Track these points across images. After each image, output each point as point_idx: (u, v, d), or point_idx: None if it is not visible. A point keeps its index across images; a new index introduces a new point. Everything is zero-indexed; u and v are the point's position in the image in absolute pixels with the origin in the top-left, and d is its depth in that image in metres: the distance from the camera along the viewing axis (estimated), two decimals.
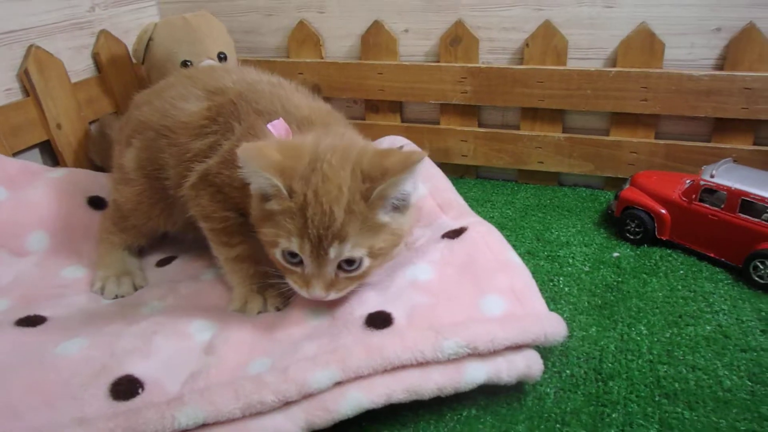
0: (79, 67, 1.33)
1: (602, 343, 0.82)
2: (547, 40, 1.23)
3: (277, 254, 0.72)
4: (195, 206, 0.84)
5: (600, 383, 0.75)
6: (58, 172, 1.10)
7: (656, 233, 1.05)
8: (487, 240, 0.88)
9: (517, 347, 0.71)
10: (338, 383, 0.65)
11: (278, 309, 0.82)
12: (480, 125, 1.37)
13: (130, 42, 1.37)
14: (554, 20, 1.21)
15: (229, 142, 0.81)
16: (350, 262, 0.71)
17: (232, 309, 0.82)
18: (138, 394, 0.65)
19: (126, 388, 0.65)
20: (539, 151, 1.31)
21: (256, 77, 0.92)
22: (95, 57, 1.36)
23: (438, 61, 1.34)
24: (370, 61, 1.38)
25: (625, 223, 1.08)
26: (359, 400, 0.63)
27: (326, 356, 0.66)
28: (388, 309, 0.74)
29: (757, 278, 0.92)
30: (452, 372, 0.67)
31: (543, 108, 1.28)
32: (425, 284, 0.79)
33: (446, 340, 0.68)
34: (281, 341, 0.74)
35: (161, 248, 1.05)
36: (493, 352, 0.70)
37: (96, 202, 1.06)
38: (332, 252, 0.69)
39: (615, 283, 0.96)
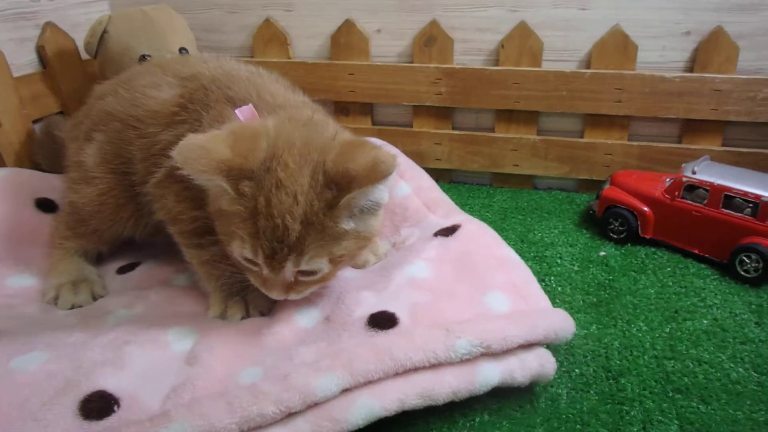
0: (22, 60, 1.21)
1: (606, 340, 0.79)
2: (523, 40, 1.22)
3: (234, 254, 0.66)
4: (160, 208, 0.77)
5: (611, 381, 0.71)
6: (1, 173, 0.98)
7: (640, 231, 1.04)
8: (481, 236, 0.84)
9: (528, 345, 0.67)
10: (346, 390, 0.58)
11: (263, 313, 0.75)
12: (454, 128, 1.34)
13: (78, 38, 1.27)
14: (529, 21, 1.21)
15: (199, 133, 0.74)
16: (309, 271, 0.65)
17: (211, 316, 0.74)
18: (113, 411, 0.56)
19: (98, 405, 0.56)
20: (515, 154, 1.30)
21: (235, 65, 0.85)
22: (39, 51, 1.24)
23: (412, 62, 1.31)
24: (340, 62, 1.34)
25: (608, 222, 1.07)
26: (370, 407, 0.57)
27: (329, 360, 0.60)
28: (390, 308, 0.68)
29: (743, 272, 0.92)
30: (466, 373, 0.62)
31: (518, 110, 1.27)
32: (424, 282, 0.74)
33: (458, 339, 0.63)
34: (272, 347, 0.67)
35: (121, 254, 0.94)
36: (506, 351, 0.65)
37: (45, 205, 0.95)
38: (288, 264, 0.63)
39: (607, 281, 0.94)
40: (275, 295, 0.66)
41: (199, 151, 0.60)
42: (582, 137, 1.26)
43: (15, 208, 0.92)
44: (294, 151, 0.62)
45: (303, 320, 0.71)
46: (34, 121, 1.20)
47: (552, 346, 0.72)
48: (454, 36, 1.26)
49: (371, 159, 0.61)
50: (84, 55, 1.28)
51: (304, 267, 0.64)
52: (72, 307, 0.80)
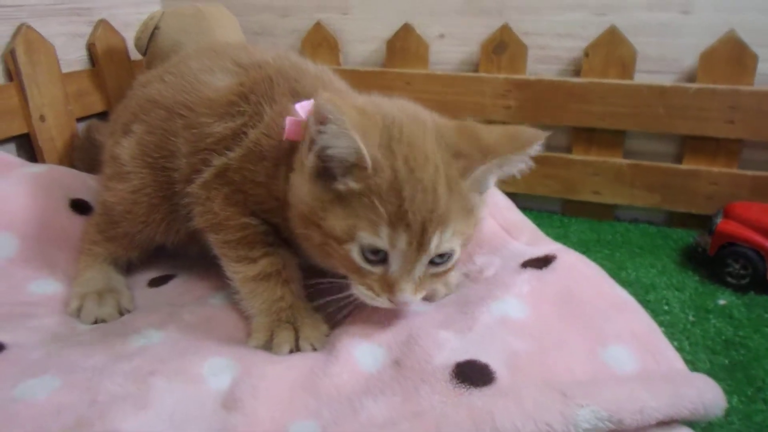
0: (72, 56, 1.16)
1: (758, 419, 0.59)
2: (612, 48, 1.06)
3: (353, 253, 0.54)
4: (204, 212, 0.67)
5: None
6: (38, 168, 0.90)
7: None
8: (584, 271, 0.68)
9: (667, 422, 0.48)
10: None
11: (314, 348, 0.61)
12: None
13: (129, 37, 1.22)
14: (619, 26, 1.04)
15: (255, 131, 0.65)
16: (443, 254, 0.56)
17: (253, 345, 0.61)
18: None
19: None
20: (595, 179, 1.12)
21: (300, 59, 0.75)
22: (90, 48, 1.19)
23: (477, 71, 1.15)
24: (396, 69, 1.20)
25: (725, 263, 0.87)
26: None
27: (409, 425, 0.45)
28: (481, 357, 0.53)
29: None
30: None
31: (600, 129, 1.09)
32: (520, 324, 0.58)
33: (581, 408, 0.46)
34: (329, 395, 0.53)
35: (154, 264, 0.84)
36: (640, 429, 0.46)
37: (80, 206, 0.85)
38: (434, 241, 0.53)
39: (736, 338, 0.74)
40: (407, 296, 0.55)
41: (342, 106, 0.51)
42: (680, 163, 1.07)
43: (49, 206, 0.83)
44: (408, 122, 0.56)
45: (366, 361, 0.56)
46: (78, 120, 1.14)
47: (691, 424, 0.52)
48: (528, 42, 1.11)
49: (506, 131, 0.57)
50: (133, 56, 1.24)
51: (445, 244, 0.55)
52: (95, 321, 0.70)
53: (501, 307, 0.60)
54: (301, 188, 0.56)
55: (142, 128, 0.74)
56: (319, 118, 0.51)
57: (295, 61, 0.73)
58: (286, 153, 0.62)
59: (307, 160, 0.55)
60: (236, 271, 0.65)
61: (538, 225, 1.11)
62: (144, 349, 0.58)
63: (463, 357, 0.53)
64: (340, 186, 0.53)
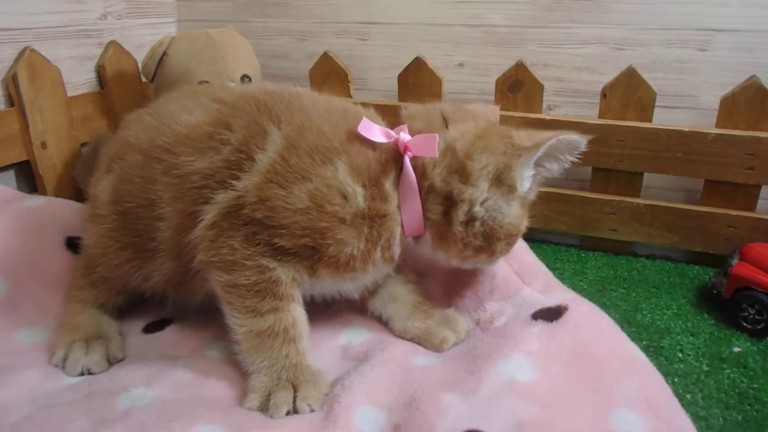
0: (80, 79, 1.14)
1: None
2: (630, 90, 1.03)
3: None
4: (219, 246, 0.61)
5: None
6: (35, 201, 0.87)
7: None
8: (596, 325, 0.66)
9: None
10: None
11: (312, 409, 0.58)
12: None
13: (141, 59, 1.18)
14: (637, 62, 1.03)
15: (268, 153, 0.61)
16: None
17: (249, 406, 0.58)
18: None
19: None
20: (612, 218, 1.10)
21: (290, 88, 0.71)
22: (99, 70, 1.17)
23: (494, 101, 1.15)
24: (405, 104, 1.17)
25: (740, 307, 0.86)
26: None
27: None
28: (485, 428, 0.50)
29: None
30: None
31: (618, 170, 1.08)
32: (528, 388, 0.56)
33: None
34: None
35: (152, 307, 0.79)
36: None
37: (76, 245, 0.81)
38: None
39: (750, 391, 0.73)
40: None
41: None
42: (699, 205, 1.05)
43: (43, 245, 0.80)
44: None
45: (365, 427, 0.54)
46: (83, 145, 1.12)
47: None
48: (546, 74, 1.10)
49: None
50: (145, 78, 1.19)
51: None
52: (82, 372, 0.66)
53: (509, 367, 0.59)
54: (509, 210, 0.64)
55: (117, 173, 0.70)
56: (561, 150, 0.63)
57: (285, 89, 0.70)
58: (383, 167, 0.62)
59: (520, 186, 0.63)
60: (240, 324, 0.61)
61: (556, 259, 1.12)
62: (128, 413, 0.55)
63: (465, 426, 0.51)
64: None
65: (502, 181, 0.63)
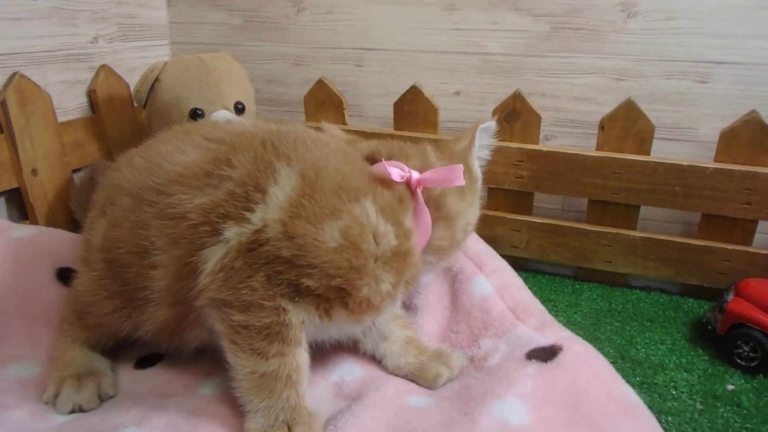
0: (70, 104, 1.13)
1: None
2: (629, 123, 1.03)
3: None
4: (233, 291, 0.57)
5: None
6: (24, 231, 0.86)
7: None
8: (591, 367, 0.66)
9: None
10: None
11: None
12: (535, 212, 1.15)
13: (134, 83, 1.17)
14: (635, 93, 1.04)
15: (284, 188, 0.58)
16: None
17: None
18: None
19: None
20: (607, 250, 1.10)
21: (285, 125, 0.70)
22: (90, 94, 1.16)
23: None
24: (403, 132, 1.17)
25: (735, 344, 0.86)
26: None
27: None
28: None
29: None
30: None
31: (615, 202, 1.08)
32: None
33: None
34: None
35: (143, 343, 0.76)
36: None
37: (67, 277, 0.80)
38: None
39: (743, 431, 0.72)
40: None
41: None
42: (695, 238, 1.05)
43: (33, 277, 0.79)
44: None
45: None
46: (75, 171, 1.11)
47: None
48: (543, 104, 1.10)
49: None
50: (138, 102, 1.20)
51: None
52: (73, 410, 0.64)
53: (502, 409, 0.58)
54: None
55: (107, 219, 0.68)
56: None
57: (281, 127, 0.69)
58: (401, 204, 0.63)
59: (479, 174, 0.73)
60: (243, 365, 0.59)
61: (551, 290, 1.11)
62: None
63: None
64: None
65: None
